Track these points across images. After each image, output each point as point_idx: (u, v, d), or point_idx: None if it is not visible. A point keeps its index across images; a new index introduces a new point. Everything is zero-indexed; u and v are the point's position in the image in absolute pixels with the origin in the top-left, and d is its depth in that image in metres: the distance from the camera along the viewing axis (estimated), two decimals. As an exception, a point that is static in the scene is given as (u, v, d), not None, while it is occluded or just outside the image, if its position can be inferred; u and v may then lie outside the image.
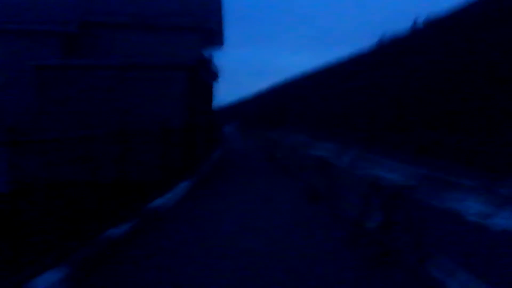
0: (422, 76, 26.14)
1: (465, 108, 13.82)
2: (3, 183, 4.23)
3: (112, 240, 5.57)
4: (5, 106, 12.84)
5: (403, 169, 11.55)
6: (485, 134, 11.61)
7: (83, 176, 5.95)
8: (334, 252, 5.38)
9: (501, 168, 8.96)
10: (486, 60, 15.32)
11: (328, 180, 8.63)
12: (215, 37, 19.68)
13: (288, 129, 54.31)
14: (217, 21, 17.56)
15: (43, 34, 13.72)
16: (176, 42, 14.55)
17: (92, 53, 14.20)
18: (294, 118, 61.01)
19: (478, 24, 22.71)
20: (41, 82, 11.26)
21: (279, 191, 9.89)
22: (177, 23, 14.75)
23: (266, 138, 24.50)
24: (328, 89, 52.24)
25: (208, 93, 15.94)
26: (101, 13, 14.87)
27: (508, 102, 11.80)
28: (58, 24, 14.02)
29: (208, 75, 15.08)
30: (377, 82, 40.96)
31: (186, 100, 11.96)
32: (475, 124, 12.64)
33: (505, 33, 16.46)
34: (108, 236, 5.62)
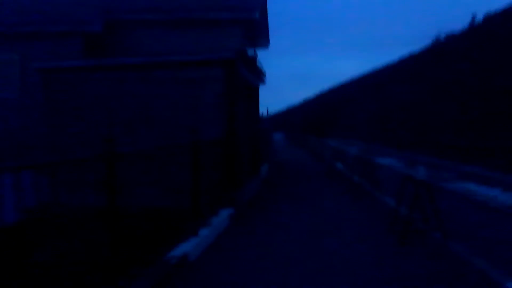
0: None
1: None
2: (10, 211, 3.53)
3: None
4: (24, 120, 11.05)
5: None
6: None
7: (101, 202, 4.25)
8: None
9: None
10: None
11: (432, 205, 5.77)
12: (260, 34, 17.22)
13: (339, 136, 50.92)
14: (262, 12, 15.09)
15: (64, 36, 11.89)
16: (213, 39, 12.19)
17: (118, 54, 12.19)
18: (345, 125, 57.46)
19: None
20: (48, 88, 9.24)
21: (357, 229, 7.05)
22: (214, 15, 12.41)
23: (319, 147, 21.59)
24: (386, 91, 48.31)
25: (252, 97, 13.42)
26: (127, 10, 12.83)
27: None
28: (80, 23, 12.15)
29: (252, 75, 12.57)
30: (437, 82, 36.65)
31: (224, 104, 9.48)
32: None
33: None
34: None
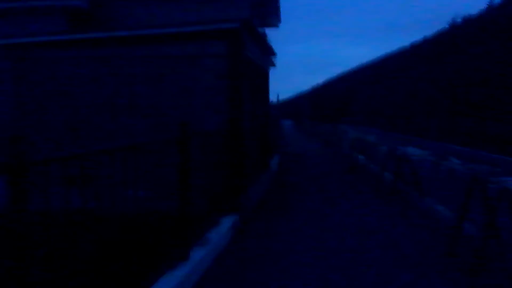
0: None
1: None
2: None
3: None
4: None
5: None
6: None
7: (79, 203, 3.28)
8: None
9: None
10: None
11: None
12: (269, 10, 15.38)
13: (352, 123, 48.99)
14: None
15: (45, 12, 10.25)
16: (217, 12, 10.42)
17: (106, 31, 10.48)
18: (357, 111, 55.40)
19: None
20: (14, 69, 7.60)
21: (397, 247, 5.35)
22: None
23: (333, 136, 19.79)
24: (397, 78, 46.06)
25: (261, 81, 11.67)
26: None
27: None
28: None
29: (261, 54, 10.80)
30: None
31: (227, 88, 7.77)
32: None
33: None
34: None
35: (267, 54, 12.03)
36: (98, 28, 9.90)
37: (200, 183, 6.44)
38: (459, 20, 48.95)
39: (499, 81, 24.00)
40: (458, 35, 42.44)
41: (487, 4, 40.65)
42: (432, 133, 26.16)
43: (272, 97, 22.72)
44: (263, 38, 10.48)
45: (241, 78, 7.94)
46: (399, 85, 45.51)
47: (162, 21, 10.27)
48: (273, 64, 16.37)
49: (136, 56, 7.79)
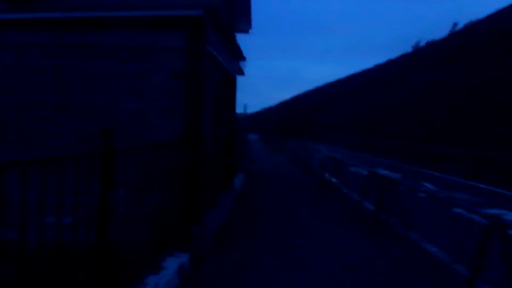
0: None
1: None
2: None
3: None
4: None
5: None
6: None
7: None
8: None
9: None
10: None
11: None
12: (239, 13, 14.10)
13: (317, 139, 48.38)
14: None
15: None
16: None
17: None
18: (323, 128, 55.08)
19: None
20: None
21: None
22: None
23: (302, 153, 18.58)
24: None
25: (228, 88, 10.25)
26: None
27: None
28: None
29: (229, 57, 9.40)
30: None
31: (186, 89, 6.31)
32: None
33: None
34: None
35: (236, 58, 10.64)
36: (33, 8, 8.19)
37: (144, 210, 4.91)
38: (422, 43, 49.28)
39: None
40: (423, 56, 42.70)
41: (450, 30, 41.42)
42: (397, 153, 25.59)
43: (239, 109, 21.28)
44: (232, 37, 9.09)
45: (203, 79, 6.49)
46: (361, 104, 45.36)
47: (110, 4, 8.70)
48: (242, 72, 15.01)
49: (70, 44, 6.18)
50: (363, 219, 7.53)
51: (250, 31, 15.92)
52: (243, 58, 11.07)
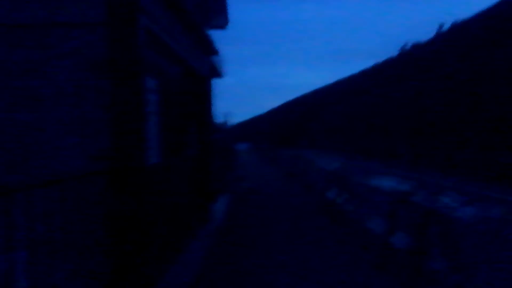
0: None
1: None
2: None
3: None
4: None
5: None
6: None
7: None
8: None
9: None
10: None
11: None
12: (214, 5, 11.87)
13: (311, 147, 46.06)
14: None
15: None
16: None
17: None
18: (316, 135, 52.89)
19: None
20: None
21: None
22: None
23: (300, 166, 16.18)
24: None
25: (196, 91, 7.82)
26: None
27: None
28: None
29: (193, 49, 7.02)
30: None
31: (109, 86, 3.93)
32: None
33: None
34: None
35: (206, 52, 8.25)
36: None
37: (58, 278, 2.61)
38: (408, 46, 47.97)
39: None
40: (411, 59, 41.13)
41: (436, 32, 39.88)
42: (402, 158, 23.42)
43: (223, 117, 18.87)
44: (195, 21, 6.70)
45: (138, 71, 4.10)
46: (354, 107, 43.30)
47: None
48: (218, 74, 12.60)
49: None
50: (394, 266, 5.13)
51: (226, 26, 13.64)
52: (215, 52, 8.69)
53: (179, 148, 6.08)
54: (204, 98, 7.95)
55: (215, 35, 13.65)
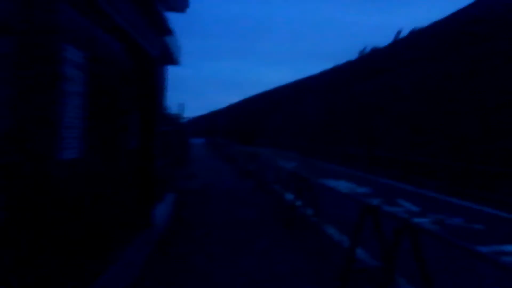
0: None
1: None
2: None
3: None
4: None
5: None
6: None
7: None
8: None
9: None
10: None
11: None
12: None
13: (267, 144, 45.55)
14: None
15: None
16: None
17: None
18: (272, 133, 52.50)
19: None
20: None
21: None
22: None
23: (257, 164, 15.38)
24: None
25: (140, 75, 6.74)
26: None
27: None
28: None
29: (140, 25, 5.95)
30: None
31: (12, 74, 2.85)
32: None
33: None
34: None
35: (158, 31, 7.17)
36: None
37: None
38: (368, 50, 48.62)
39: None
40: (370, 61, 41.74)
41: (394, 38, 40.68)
42: (359, 161, 23.34)
43: (171, 109, 17.68)
44: (156, 17, 5.63)
45: (52, 34, 3.07)
46: (311, 108, 43.28)
47: None
48: (173, 61, 11.50)
49: None
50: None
51: (186, 10, 12.56)
52: (169, 32, 7.62)
53: (114, 141, 5.02)
54: (152, 84, 6.88)
55: (174, 20, 12.47)
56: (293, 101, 53.97)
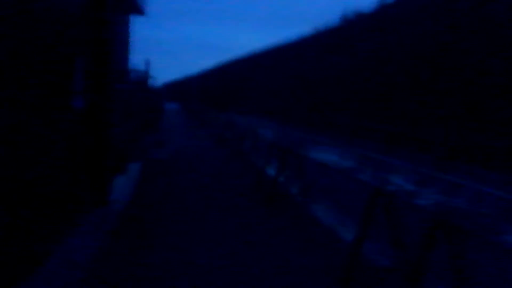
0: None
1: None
2: None
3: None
4: None
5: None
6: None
7: None
8: None
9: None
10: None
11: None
12: None
13: (242, 112, 44.20)
14: None
15: None
16: None
17: None
18: (248, 99, 51.07)
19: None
20: None
21: None
22: None
23: (230, 129, 14.22)
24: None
25: (95, 21, 5.35)
26: None
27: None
28: None
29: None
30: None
31: None
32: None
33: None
34: None
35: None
36: None
37: None
38: (349, 15, 47.03)
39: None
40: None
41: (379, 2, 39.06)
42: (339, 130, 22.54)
43: (154, 76, 16.05)
44: None
45: None
46: (290, 75, 41.94)
47: None
48: (137, 9, 9.99)
49: None
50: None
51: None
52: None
53: (48, 95, 3.76)
54: (106, 30, 5.49)
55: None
56: (271, 67, 52.46)
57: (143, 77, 11.78)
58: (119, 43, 7.54)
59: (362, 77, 24.31)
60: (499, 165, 11.16)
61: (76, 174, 4.60)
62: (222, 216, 5.75)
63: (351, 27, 42.22)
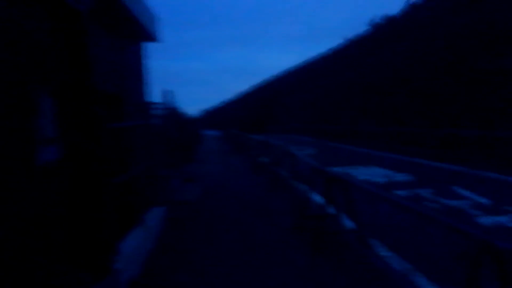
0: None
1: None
2: None
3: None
4: None
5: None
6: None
7: None
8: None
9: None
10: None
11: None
12: None
13: (283, 132, 42.92)
14: None
15: None
16: None
17: None
18: (288, 119, 49.82)
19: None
20: None
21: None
22: None
23: (285, 164, 12.87)
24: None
25: (67, 54, 4.28)
26: None
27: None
28: None
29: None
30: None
31: None
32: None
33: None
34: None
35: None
36: None
37: None
38: (378, 20, 44.75)
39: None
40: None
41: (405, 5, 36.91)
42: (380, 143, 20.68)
43: (154, 98, 15.09)
44: None
45: None
46: (323, 89, 40.11)
47: None
48: (150, 36, 8.92)
49: None
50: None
51: None
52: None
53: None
54: (85, 57, 4.37)
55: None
56: (304, 83, 51.09)
57: (170, 108, 10.82)
58: (131, 74, 6.51)
59: (397, 83, 22.42)
60: None
61: (51, 258, 3.41)
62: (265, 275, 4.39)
63: (383, 31, 40.04)
